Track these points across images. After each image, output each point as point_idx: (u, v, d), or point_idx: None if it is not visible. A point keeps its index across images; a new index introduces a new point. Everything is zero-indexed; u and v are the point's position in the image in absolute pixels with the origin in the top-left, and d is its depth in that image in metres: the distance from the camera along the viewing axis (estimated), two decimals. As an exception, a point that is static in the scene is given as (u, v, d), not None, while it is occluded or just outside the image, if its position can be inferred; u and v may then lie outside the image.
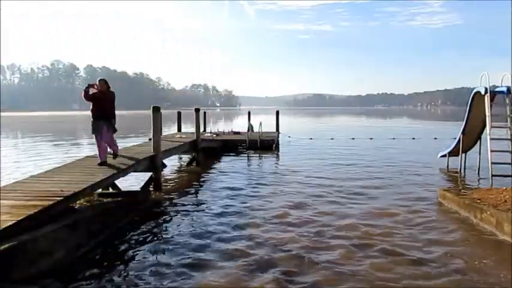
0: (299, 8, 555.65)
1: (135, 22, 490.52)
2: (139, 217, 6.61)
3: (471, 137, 10.75)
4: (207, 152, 14.20)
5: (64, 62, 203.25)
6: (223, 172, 11.24)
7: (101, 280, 4.28)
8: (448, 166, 11.39)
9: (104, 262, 4.76)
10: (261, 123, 17.91)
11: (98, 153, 7.76)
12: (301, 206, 7.34)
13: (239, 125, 30.56)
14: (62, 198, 5.01)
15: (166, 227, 6.23)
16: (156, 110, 9.34)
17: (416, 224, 6.23)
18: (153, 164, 8.73)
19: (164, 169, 11.09)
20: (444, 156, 11.87)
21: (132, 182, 9.03)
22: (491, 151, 8.48)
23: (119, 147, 8.71)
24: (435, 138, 21.09)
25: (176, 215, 6.86)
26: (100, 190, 6.72)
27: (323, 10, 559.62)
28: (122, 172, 7.28)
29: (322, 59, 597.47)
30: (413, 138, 21.50)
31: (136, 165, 8.00)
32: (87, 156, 8.99)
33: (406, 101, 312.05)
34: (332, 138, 21.84)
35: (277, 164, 13.30)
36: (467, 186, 9.21)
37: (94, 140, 7.97)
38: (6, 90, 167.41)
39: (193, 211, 7.12)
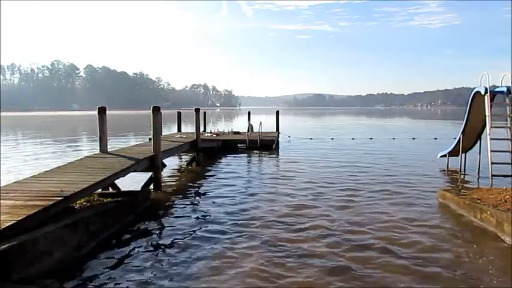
0: (297, 8, 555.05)
1: (135, 22, 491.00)
2: (139, 217, 6.61)
3: (471, 137, 10.75)
4: (207, 152, 14.20)
5: (64, 62, 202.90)
6: (223, 172, 11.24)
7: (101, 280, 4.28)
8: (448, 166, 11.39)
9: (104, 262, 4.76)
10: (261, 123, 17.92)
11: None
12: (301, 205, 7.34)
13: (239, 125, 30.58)
14: (62, 198, 5.01)
15: (166, 226, 6.23)
16: (156, 110, 9.34)
17: (416, 223, 6.23)
18: (153, 164, 8.73)
19: (164, 169, 11.09)
20: (444, 156, 11.88)
21: (132, 182, 9.02)
22: (491, 151, 8.48)
23: (118, 147, 8.69)
24: (435, 138, 21.12)
25: (176, 215, 6.86)
26: (100, 190, 6.72)
27: (321, 10, 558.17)
28: (122, 172, 7.28)
29: (322, 59, 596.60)
30: (414, 138, 21.52)
31: (137, 165, 8.00)
32: (87, 156, 9.00)
33: (406, 101, 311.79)
34: (332, 138, 21.85)
35: (277, 163, 13.30)
36: (467, 186, 9.20)
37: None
38: (6, 90, 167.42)
39: (193, 211, 7.13)
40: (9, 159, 14.45)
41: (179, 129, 19.58)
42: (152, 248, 5.25)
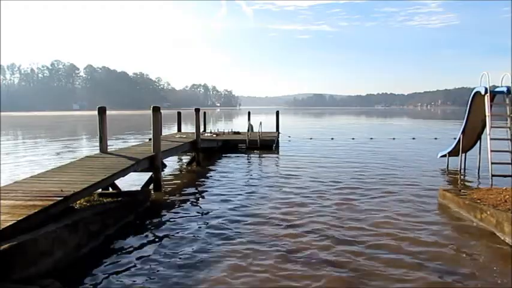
0: (297, 8, 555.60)
1: (135, 22, 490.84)
2: (139, 217, 6.62)
3: (471, 137, 10.75)
4: (207, 152, 14.20)
5: (64, 62, 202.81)
6: (223, 172, 11.24)
7: (100, 280, 4.28)
8: (448, 166, 11.40)
9: (104, 262, 4.75)
10: (261, 123, 17.93)
11: None
12: (301, 205, 7.34)
13: (239, 125, 30.57)
14: (62, 198, 5.01)
15: (166, 227, 6.22)
16: (156, 110, 9.34)
17: (416, 223, 6.23)
18: (153, 164, 8.73)
19: (164, 169, 11.10)
20: (444, 156, 11.88)
21: (132, 182, 9.02)
22: (491, 151, 8.48)
23: (118, 147, 8.69)
24: (435, 138, 21.12)
25: (176, 215, 6.85)
26: (100, 190, 6.72)
27: (320, 10, 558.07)
28: (122, 172, 7.27)
29: (322, 59, 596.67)
30: (414, 138, 21.52)
31: (137, 165, 8.00)
32: (87, 156, 8.99)
33: (406, 101, 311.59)
34: (332, 138, 21.85)
35: (277, 164, 13.30)
36: (467, 186, 9.21)
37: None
38: (6, 90, 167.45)
39: (194, 211, 7.13)
40: (8, 158, 14.46)
41: (179, 129, 19.57)
42: (152, 248, 5.24)
